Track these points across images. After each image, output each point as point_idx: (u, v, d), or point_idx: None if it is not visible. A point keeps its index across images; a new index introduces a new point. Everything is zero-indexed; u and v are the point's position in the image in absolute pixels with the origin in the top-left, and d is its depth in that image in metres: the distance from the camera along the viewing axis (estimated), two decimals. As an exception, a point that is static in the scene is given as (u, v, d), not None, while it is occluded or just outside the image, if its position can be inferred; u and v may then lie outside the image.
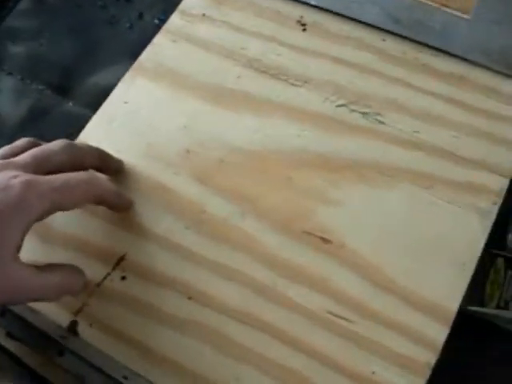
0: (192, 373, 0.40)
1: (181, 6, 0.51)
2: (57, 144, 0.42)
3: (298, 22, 0.49)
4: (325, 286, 0.41)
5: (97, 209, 0.44)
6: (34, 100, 0.59)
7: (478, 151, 0.44)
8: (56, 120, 0.58)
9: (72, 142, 0.43)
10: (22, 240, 0.37)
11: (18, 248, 0.37)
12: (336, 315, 0.40)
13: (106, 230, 0.44)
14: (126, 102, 0.48)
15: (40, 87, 0.59)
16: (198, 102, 0.47)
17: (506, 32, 0.47)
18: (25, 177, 0.37)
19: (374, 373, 0.38)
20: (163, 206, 0.44)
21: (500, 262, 0.46)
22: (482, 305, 0.44)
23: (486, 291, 0.44)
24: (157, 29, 0.59)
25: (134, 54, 0.59)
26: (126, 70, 0.55)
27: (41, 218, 0.38)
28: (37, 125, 0.58)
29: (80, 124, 0.53)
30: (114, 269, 0.43)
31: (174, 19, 0.51)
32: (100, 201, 0.42)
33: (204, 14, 0.51)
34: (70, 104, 0.58)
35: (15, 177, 0.37)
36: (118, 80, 0.54)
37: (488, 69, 0.46)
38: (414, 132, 0.45)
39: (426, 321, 0.39)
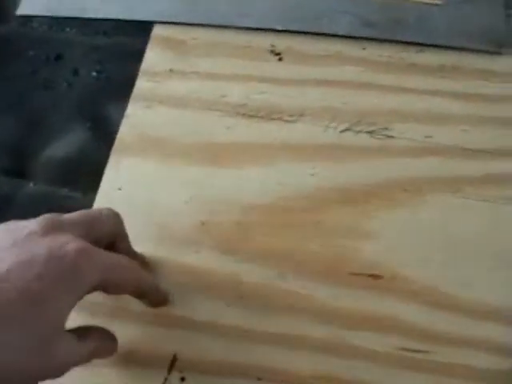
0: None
1: (143, 67, 0.48)
2: (104, 212, 0.39)
3: (272, 52, 0.47)
4: (389, 323, 0.39)
5: (131, 312, 0.41)
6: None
7: (492, 139, 0.43)
8: (22, 204, 0.54)
9: (116, 211, 0.39)
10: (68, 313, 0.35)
11: (65, 321, 0.35)
12: (410, 350, 0.39)
13: (148, 332, 0.41)
14: (119, 189, 0.44)
15: (-9, 175, 0.55)
16: (195, 168, 0.44)
17: (480, 9, 0.46)
18: (80, 244, 0.34)
19: (467, 397, 0.38)
20: (197, 290, 0.41)
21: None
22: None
23: None
24: (97, 81, 0.56)
25: (82, 114, 0.55)
26: (80, 132, 0.52)
27: (91, 290, 0.35)
28: (4, 214, 0.54)
29: (49, 202, 0.49)
30: (169, 372, 0.40)
31: (141, 83, 0.47)
32: (141, 293, 0.39)
33: (171, 69, 0.47)
34: (31, 185, 0.54)
35: (69, 242, 0.34)
36: (75, 147, 0.50)
37: (475, 51, 0.45)
38: (426, 137, 0.43)
39: (498, 328, 0.39)
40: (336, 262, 0.41)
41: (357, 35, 0.46)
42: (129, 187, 0.44)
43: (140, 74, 0.48)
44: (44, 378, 0.35)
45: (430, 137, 0.43)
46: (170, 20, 0.49)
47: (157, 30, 0.49)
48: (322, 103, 0.45)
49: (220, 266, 0.42)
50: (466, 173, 0.42)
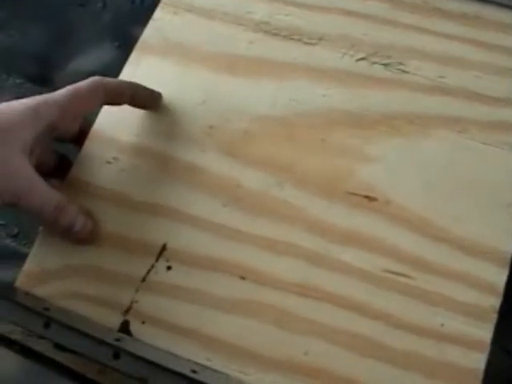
0: (257, 354, 0.39)
1: (176, -24, 0.50)
2: (88, 83, 0.44)
3: (301, -22, 0.49)
4: (378, 244, 0.41)
5: (131, 199, 0.43)
6: (14, 95, 0.57)
7: (503, 88, 0.44)
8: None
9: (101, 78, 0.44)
10: (34, 145, 0.41)
11: (28, 149, 0.41)
12: (394, 272, 0.40)
13: (142, 221, 0.43)
14: (136, 84, 0.46)
15: (18, 81, 0.57)
16: (213, 74, 0.47)
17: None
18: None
19: (442, 325, 0.39)
20: (196, 186, 0.44)
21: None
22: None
23: None
24: (132, 6, 0.58)
25: (112, 33, 0.57)
26: (108, 51, 0.54)
27: (52, 125, 0.42)
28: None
29: None
30: (157, 260, 0.42)
31: (172, -10, 0.50)
32: (117, 96, 0.44)
33: (201, -17, 0.50)
34: (55, 94, 0.57)
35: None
36: (101, 62, 0.52)
37: (500, 5, 0.47)
38: (439, 77, 0.45)
39: (484, 265, 0.40)
40: (334, 179, 0.43)
41: (386, -27, 0.48)
42: (145, 83, 0.46)
43: (171, -18, 0.50)
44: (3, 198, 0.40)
45: (443, 77, 0.45)
46: None
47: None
48: (342, 31, 0.47)
49: (221, 168, 0.44)
50: (473, 116, 0.44)
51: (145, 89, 0.45)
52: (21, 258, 0.43)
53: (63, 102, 0.42)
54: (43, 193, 0.40)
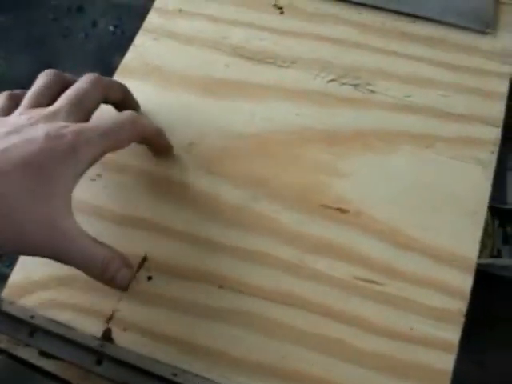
0: (236, 359, 0.42)
1: (156, 4, 0.54)
2: (87, 81, 0.45)
3: (275, 5, 0.53)
4: (350, 254, 0.44)
5: (113, 213, 0.47)
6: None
7: (469, 106, 0.49)
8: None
9: (98, 75, 0.46)
10: (73, 188, 0.41)
11: (70, 198, 0.40)
12: (366, 280, 0.43)
13: (124, 234, 0.46)
14: (118, 106, 0.50)
15: (4, 109, 0.60)
16: (191, 95, 0.50)
17: (473, -9, 0.52)
18: (73, 127, 0.40)
19: (411, 329, 0.42)
20: (176, 201, 0.47)
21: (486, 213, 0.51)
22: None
23: None
24: (113, 36, 0.62)
25: (95, 62, 0.61)
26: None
27: (91, 164, 0.41)
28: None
29: None
30: (138, 271, 0.45)
31: (152, 18, 0.54)
32: (144, 139, 0.46)
33: (180, 10, 0.54)
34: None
35: (65, 127, 0.40)
36: None
37: (465, 28, 0.51)
38: (406, 96, 0.49)
39: (451, 271, 0.43)
40: (308, 192, 0.46)
41: (355, 1, 0.52)
42: (127, 105, 0.50)
43: (152, 10, 0.54)
44: (48, 253, 0.40)
45: (410, 96, 0.49)
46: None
47: (173, -25, 0.57)
48: (313, 55, 0.51)
49: (200, 184, 0.47)
50: (439, 132, 0.48)
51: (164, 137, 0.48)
52: (4, 279, 0.46)
53: (104, 140, 0.42)
54: (88, 251, 0.41)
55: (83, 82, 0.44)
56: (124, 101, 0.48)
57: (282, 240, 0.45)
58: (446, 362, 0.41)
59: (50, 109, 0.42)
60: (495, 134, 0.47)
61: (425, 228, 0.45)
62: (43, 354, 0.43)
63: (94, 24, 0.63)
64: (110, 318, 0.44)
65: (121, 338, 0.43)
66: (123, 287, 0.44)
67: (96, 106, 0.45)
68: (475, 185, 0.46)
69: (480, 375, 0.48)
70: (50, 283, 0.45)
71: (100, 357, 0.43)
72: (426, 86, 0.49)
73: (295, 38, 0.52)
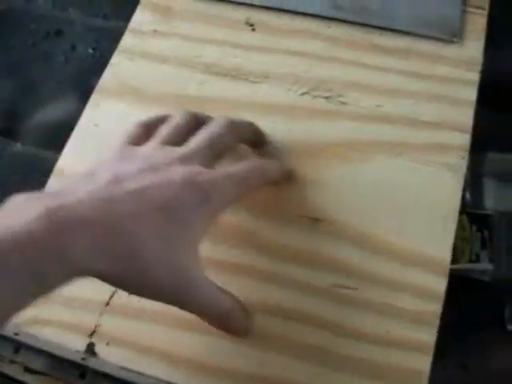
0: (218, 368, 0.43)
1: (131, 26, 0.56)
2: (221, 124, 0.45)
3: (247, 23, 0.55)
4: (325, 261, 0.46)
5: None
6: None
7: (438, 113, 0.50)
8: (9, 163, 0.60)
9: (231, 118, 0.46)
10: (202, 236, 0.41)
11: (198, 246, 0.41)
12: (341, 286, 0.45)
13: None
14: (96, 125, 0.52)
15: (-17, 133, 0.62)
16: (166, 112, 0.51)
17: (440, 2, 0.54)
18: (208, 175, 0.41)
19: (388, 332, 0.43)
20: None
21: (464, 218, 0.52)
22: (455, 262, 0.50)
23: (456, 248, 0.49)
24: (92, 59, 0.64)
25: (75, 85, 0.63)
26: (71, 102, 0.59)
27: (222, 212, 0.43)
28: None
29: (36, 163, 0.56)
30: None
31: (127, 39, 0.56)
32: (271, 183, 0.48)
33: (155, 30, 0.56)
34: (19, 145, 0.61)
35: (200, 174, 0.41)
36: (65, 113, 0.57)
37: (430, 38, 0.53)
38: (377, 106, 0.51)
39: (425, 274, 0.45)
40: (283, 204, 0.48)
41: (325, 15, 0.54)
42: (104, 124, 0.52)
43: (127, 31, 0.56)
44: (174, 299, 0.40)
45: (381, 106, 0.51)
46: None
47: (147, -4, 0.59)
48: (285, 69, 0.53)
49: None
50: (410, 139, 0.49)
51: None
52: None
53: (236, 189, 0.43)
54: (213, 300, 0.41)
55: (217, 125, 0.45)
56: (256, 140, 0.49)
57: (259, 251, 0.46)
58: (423, 363, 0.42)
59: (186, 150, 0.43)
60: (464, 139, 0.49)
61: (398, 233, 0.46)
62: (28, 370, 0.44)
63: (73, 47, 0.65)
64: (92, 333, 0.45)
65: (104, 351, 0.44)
66: (243, 333, 0.44)
67: (228, 150, 0.46)
68: (446, 189, 0.47)
69: (464, 379, 0.49)
70: (32, 301, 0.46)
71: (84, 371, 0.44)
72: (396, 96, 0.51)
73: (267, 53, 0.54)
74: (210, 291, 0.41)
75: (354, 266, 0.45)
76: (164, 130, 0.45)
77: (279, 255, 0.46)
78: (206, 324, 0.43)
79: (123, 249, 0.37)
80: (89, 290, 0.46)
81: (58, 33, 0.66)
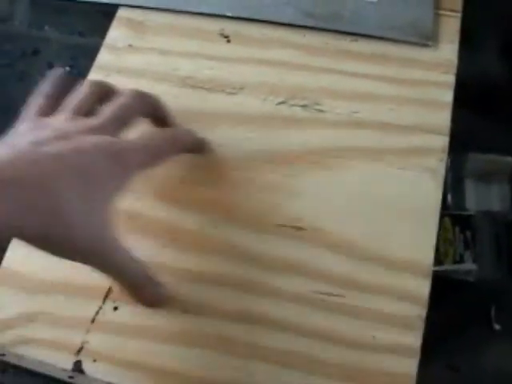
0: (204, 379, 0.44)
1: (106, 42, 0.57)
2: (131, 95, 0.47)
3: (221, 34, 0.56)
4: (308, 269, 0.47)
5: None
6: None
7: (415, 117, 0.52)
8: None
9: (141, 90, 0.48)
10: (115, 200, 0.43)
11: (112, 210, 0.42)
12: (325, 293, 0.46)
13: (88, 268, 0.47)
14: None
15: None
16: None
17: (411, 7, 0.55)
18: (120, 143, 0.43)
19: (374, 337, 0.44)
20: (136, 231, 0.49)
21: (447, 220, 0.53)
22: (440, 263, 0.51)
23: (440, 250, 0.50)
24: (70, 76, 0.64)
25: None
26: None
27: (132, 179, 0.44)
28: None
29: None
30: (104, 302, 0.47)
31: (103, 55, 0.57)
32: (184, 151, 0.49)
33: (130, 45, 0.57)
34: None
35: (111, 142, 0.43)
36: None
37: (404, 42, 0.54)
38: (353, 113, 0.52)
39: (408, 278, 0.46)
40: (264, 213, 0.49)
41: (298, 24, 0.55)
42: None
43: (102, 48, 0.57)
44: (95, 259, 0.42)
45: (357, 112, 0.52)
46: (132, 4, 0.59)
47: (121, 12, 0.59)
48: (261, 79, 0.54)
49: (158, 213, 0.49)
50: (388, 144, 0.50)
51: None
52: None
53: (148, 157, 0.45)
54: (131, 263, 0.43)
55: (127, 96, 0.47)
56: (162, 116, 0.50)
57: (240, 260, 0.47)
58: (410, 366, 0.43)
59: (95, 122, 0.44)
60: (443, 142, 0.50)
61: (380, 238, 0.47)
62: (15, 391, 0.45)
63: (50, 66, 0.65)
64: (79, 350, 0.45)
65: (91, 368, 0.45)
66: (159, 302, 0.46)
67: (136, 121, 0.47)
68: (426, 192, 0.49)
69: (453, 380, 0.50)
70: (18, 320, 0.47)
71: (70, 388, 0.45)
72: (373, 101, 0.52)
73: (243, 64, 0.55)
74: (125, 254, 0.43)
75: (337, 273, 0.46)
76: (72, 101, 0.46)
77: (260, 264, 0.47)
78: (193, 337, 0.44)
79: (47, 206, 0.38)
80: (74, 307, 0.46)
81: (35, 52, 0.67)
